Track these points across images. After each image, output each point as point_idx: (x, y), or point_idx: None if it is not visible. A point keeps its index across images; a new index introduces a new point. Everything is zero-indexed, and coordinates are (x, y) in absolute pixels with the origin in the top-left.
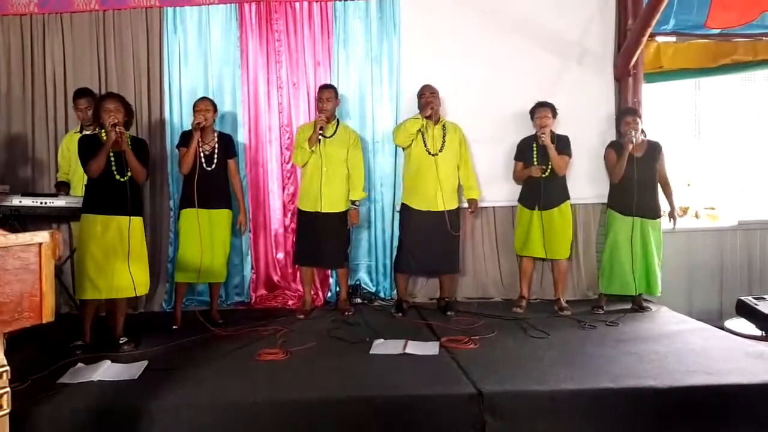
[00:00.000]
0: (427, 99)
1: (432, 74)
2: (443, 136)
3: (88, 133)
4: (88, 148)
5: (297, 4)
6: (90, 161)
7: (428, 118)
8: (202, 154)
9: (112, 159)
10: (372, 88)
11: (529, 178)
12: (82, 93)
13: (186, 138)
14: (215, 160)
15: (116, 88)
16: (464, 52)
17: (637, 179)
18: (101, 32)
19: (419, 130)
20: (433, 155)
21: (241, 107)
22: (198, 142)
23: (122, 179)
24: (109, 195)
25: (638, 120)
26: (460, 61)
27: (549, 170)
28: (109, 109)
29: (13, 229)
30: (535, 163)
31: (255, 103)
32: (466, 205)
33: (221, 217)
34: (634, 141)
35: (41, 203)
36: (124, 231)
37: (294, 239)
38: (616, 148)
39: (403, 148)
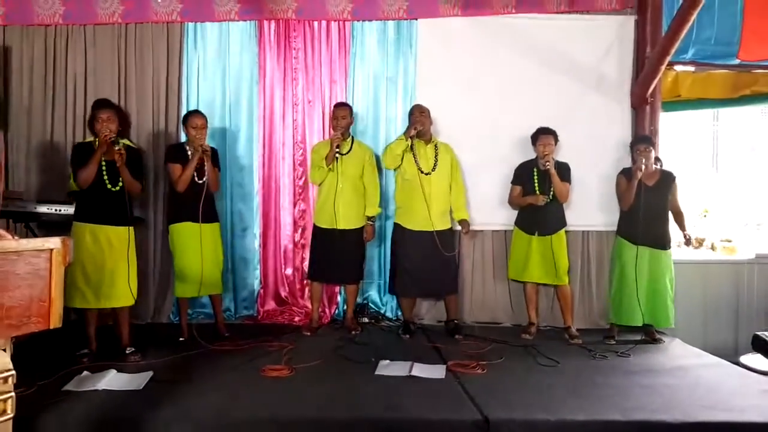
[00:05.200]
0: (416, 118)
1: (447, 95)
2: (435, 156)
3: (83, 141)
4: (80, 156)
5: (315, 23)
6: (79, 170)
7: (418, 137)
8: None
9: (104, 168)
10: (387, 108)
11: (530, 203)
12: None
13: (176, 153)
14: (205, 173)
15: (135, 99)
16: (480, 75)
17: (645, 208)
18: (122, 44)
19: (409, 149)
20: (426, 174)
21: (256, 123)
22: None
23: (114, 189)
24: (99, 204)
25: (650, 148)
26: (475, 83)
27: (552, 196)
28: (101, 118)
29: (27, 235)
30: (536, 188)
31: (270, 119)
32: (459, 227)
33: (213, 229)
34: (643, 169)
35: (55, 210)
36: (113, 241)
37: (304, 255)
38: (626, 175)
39: (394, 169)
